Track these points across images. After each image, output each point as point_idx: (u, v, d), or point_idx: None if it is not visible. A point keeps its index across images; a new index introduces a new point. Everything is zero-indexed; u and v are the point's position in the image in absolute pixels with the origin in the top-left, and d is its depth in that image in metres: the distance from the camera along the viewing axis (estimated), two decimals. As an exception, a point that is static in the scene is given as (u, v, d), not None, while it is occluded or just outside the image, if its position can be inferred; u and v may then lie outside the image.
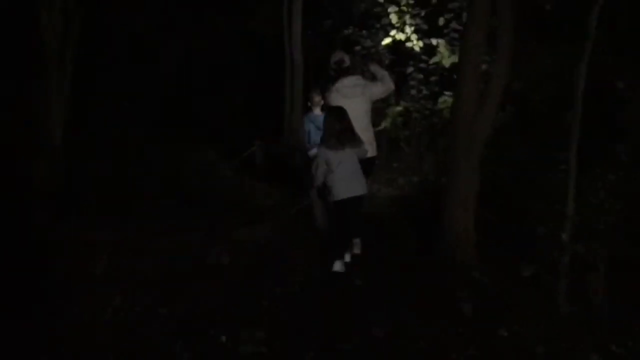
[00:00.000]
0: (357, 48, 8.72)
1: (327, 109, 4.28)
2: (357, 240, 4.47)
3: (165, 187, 6.61)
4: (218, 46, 13.48)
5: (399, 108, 6.28)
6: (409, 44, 7.54)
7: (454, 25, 7.46)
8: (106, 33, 10.08)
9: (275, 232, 5.07)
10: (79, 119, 6.37)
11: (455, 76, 4.73)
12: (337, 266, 4.00)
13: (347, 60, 4.46)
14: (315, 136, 4.47)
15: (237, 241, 4.65)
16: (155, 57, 11.47)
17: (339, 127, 3.91)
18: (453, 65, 6.95)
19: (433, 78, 8.01)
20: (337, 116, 3.97)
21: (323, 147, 3.96)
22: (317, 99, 4.81)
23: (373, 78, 4.50)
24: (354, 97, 4.23)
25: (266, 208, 6.07)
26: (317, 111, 4.80)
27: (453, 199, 4.11)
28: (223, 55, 14.17)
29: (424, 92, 8.11)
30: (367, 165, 4.23)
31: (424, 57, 7.92)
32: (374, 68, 4.53)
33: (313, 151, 4.40)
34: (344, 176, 3.92)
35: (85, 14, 6.05)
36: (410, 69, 8.09)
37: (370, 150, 4.26)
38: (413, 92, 8.12)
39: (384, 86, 4.35)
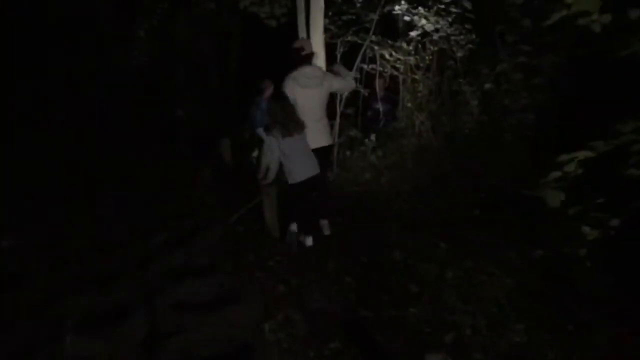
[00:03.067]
0: (414, 34, 5.79)
1: (274, 98, 4.72)
2: (324, 222, 4.70)
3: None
4: (200, 32, 10.42)
5: (580, 155, 2.98)
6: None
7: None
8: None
9: None
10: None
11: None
12: (309, 241, 4.50)
13: (308, 48, 4.45)
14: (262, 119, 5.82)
15: None
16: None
17: (282, 116, 4.24)
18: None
19: (538, 80, 5.11)
20: (281, 106, 4.29)
21: (273, 136, 4.26)
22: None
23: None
24: (311, 88, 4.30)
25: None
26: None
27: None
28: (208, 45, 11.14)
29: (524, 100, 5.22)
30: (325, 153, 4.65)
31: (525, 47, 5.03)
32: (337, 68, 4.74)
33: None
34: (298, 160, 4.27)
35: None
36: (503, 66, 5.19)
37: (326, 139, 4.56)
38: (507, 101, 5.22)
39: (346, 83, 4.66)
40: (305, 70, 4.33)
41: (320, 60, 6.72)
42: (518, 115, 5.23)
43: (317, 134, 4.47)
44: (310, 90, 4.31)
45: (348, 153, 7.09)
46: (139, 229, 4.77)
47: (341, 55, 6.81)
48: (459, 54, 5.53)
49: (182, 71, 10.74)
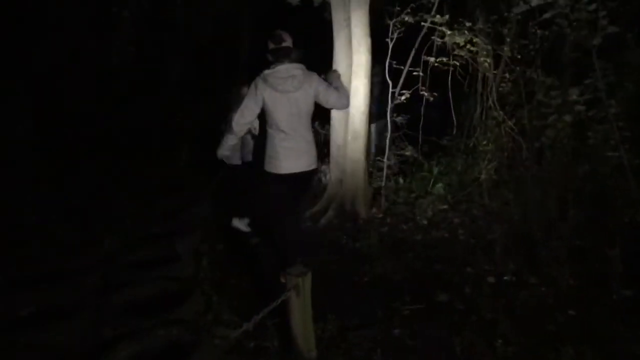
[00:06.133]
0: (517, 10, 3.72)
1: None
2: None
3: None
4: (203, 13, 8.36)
5: None
6: None
7: None
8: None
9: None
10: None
11: None
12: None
13: (289, 40, 3.39)
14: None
15: None
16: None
17: None
18: None
19: None
20: None
21: None
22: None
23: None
24: (291, 92, 3.33)
25: None
26: None
27: None
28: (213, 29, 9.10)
29: None
30: (306, 180, 3.60)
31: None
32: (331, 77, 3.56)
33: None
34: None
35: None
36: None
37: (309, 161, 3.49)
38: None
39: (340, 97, 3.49)
40: (282, 68, 3.35)
41: (362, 51, 4.75)
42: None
43: (297, 155, 3.43)
44: (290, 95, 3.34)
45: (401, 180, 5.13)
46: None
47: (394, 44, 4.79)
48: (595, 42, 3.45)
49: (180, 64, 8.75)
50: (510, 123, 4.42)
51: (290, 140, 3.41)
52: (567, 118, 3.27)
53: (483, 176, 4.73)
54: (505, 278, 3.72)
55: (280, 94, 3.33)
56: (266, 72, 3.36)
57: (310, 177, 3.66)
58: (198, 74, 8.61)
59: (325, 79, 3.49)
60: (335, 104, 3.54)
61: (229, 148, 3.62)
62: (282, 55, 3.35)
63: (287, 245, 3.55)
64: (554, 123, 3.30)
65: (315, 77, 3.42)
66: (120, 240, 4.42)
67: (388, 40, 4.92)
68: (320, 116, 5.03)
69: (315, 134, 6.43)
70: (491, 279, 3.72)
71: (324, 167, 5.80)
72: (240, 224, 4.74)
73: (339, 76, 3.63)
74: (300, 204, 3.78)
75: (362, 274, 3.92)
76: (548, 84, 3.32)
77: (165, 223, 5.03)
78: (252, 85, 3.37)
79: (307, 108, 3.45)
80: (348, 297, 3.55)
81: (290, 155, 3.43)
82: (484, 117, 4.70)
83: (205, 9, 8.39)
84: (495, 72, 4.51)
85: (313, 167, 3.57)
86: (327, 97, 3.44)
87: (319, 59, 5.15)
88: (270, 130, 3.47)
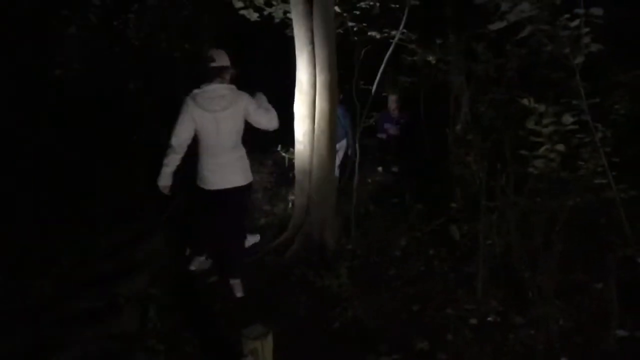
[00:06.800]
0: (496, 26, 3.42)
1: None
2: (235, 282, 3.77)
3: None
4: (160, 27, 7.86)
5: None
6: None
7: None
8: None
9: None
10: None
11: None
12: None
13: (221, 60, 3.54)
14: None
15: None
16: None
17: None
18: None
19: None
20: None
21: None
22: None
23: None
24: (218, 112, 3.46)
25: None
26: None
27: None
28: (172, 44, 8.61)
29: None
30: (241, 195, 3.71)
31: None
32: (259, 98, 3.74)
33: None
34: None
35: None
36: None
37: (241, 177, 3.68)
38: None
39: (269, 117, 3.64)
40: (207, 88, 3.48)
41: (326, 71, 4.39)
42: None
43: (228, 172, 3.61)
44: (218, 114, 3.45)
45: (371, 207, 4.77)
46: None
47: (360, 61, 4.45)
48: (577, 61, 3.19)
49: (137, 81, 8.22)
50: (486, 145, 4.12)
51: (219, 157, 3.55)
52: (560, 147, 2.99)
53: (458, 203, 4.42)
54: (489, 319, 3.38)
55: (209, 113, 3.44)
56: (195, 91, 3.47)
57: (244, 192, 3.76)
58: (157, 89, 8.11)
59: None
60: (267, 125, 3.67)
61: (170, 176, 3.57)
62: (211, 75, 3.47)
63: (226, 262, 3.71)
64: (545, 153, 3.00)
65: (245, 97, 3.57)
66: (54, 284, 3.87)
67: (354, 59, 4.59)
68: (285, 139, 4.64)
69: (279, 157, 6.06)
70: (474, 321, 3.36)
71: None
72: (197, 264, 4.26)
73: (264, 98, 3.77)
74: (239, 222, 3.89)
75: (332, 318, 3.49)
76: (541, 110, 3.02)
77: (110, 261, 4.49)
78: (184, 104, 3.45)
79: (237, 126, 3.58)
80: (316, 349, 3.12)
81: (220, 172, 3.58)
82: (457, 139, 4.40)
83: (160, 25, 7.93)
84: (468, 91, 4.24)
85: (246, 182, 3.71)
86: (258, 118, 3.59)
87: (282, 77, 4.78)
88: (200, 149, 3.59)
